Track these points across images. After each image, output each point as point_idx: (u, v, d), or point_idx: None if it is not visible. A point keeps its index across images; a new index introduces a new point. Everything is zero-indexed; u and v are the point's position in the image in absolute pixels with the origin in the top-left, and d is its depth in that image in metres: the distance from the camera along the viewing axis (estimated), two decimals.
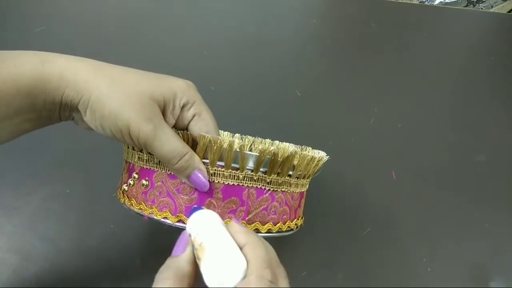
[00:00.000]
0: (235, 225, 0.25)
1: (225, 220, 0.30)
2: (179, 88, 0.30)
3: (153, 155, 0.30)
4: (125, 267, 0.42)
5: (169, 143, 0.28)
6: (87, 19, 0.67)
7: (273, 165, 0.30)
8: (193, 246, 0.24)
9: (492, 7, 1.12)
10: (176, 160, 0.28)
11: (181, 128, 0.32)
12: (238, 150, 0.29)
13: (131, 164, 0.33)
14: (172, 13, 0.70)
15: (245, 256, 0.23)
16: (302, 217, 0.37)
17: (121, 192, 0.34)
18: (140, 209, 0.31)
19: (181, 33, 0.67)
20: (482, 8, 1.12)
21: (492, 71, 0.69)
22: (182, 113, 0.31)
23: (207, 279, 0.22)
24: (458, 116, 0.61)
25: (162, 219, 0.30)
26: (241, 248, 0.23)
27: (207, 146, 0.29)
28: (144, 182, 0.31)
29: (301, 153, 0.32)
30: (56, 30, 0.64)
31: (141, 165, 0.32)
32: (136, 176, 0.32)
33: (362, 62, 0.68)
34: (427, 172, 0.54)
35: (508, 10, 1.13)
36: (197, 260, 0.23)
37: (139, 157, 0.32)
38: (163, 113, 0.30)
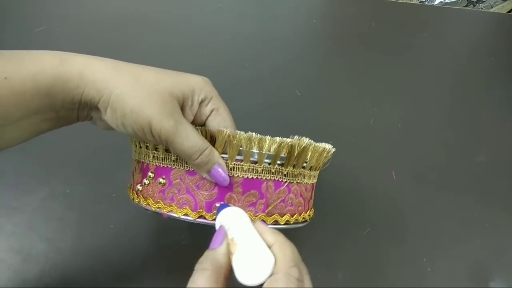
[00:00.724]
0: (262, 225, 0.27)
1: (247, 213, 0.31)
2: (197, 84, 0.31)
3: (169, 152, 0.31)
4: (125, 267, 0.42)
5: (190, 139, 0.28)
6: (87, 19, 0.67)
7: (289, 157, 0.31)
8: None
9: (492, 7, 1.12)
10: (196, 156, 0.29)
11: (198, 124, 0.32)
12: (256, 144, 0.29)
13: (145, 164, 0.33)
14: (172, 13, 0.70)
15: (274, 255, 0.24)
16: (312, 208, 0.38)
17: (134, 192, 0.34)
18: (158, 207, 0.31)
19: (181, 33, 0.67)
20: (482, 8, 1.12)
21: (492, 71, 0.69)
22: (200, 108, 0.31)
23: (238, 273, 0.24)
24: (458, 116, 0.61)
25: (183, 216, 0.30)
26: (269, 247, 0.25)
27: (226, 141, 0.29)
28: (161, 180, 0.31)
29: (315, 145, 0.32)
30: (56, 30, 0.64)
31: (157, 164, 0.32)
32: (152, 175, 0.32)
33: (362, 62, 0.68)
34: (427, 172, 0.54)
35: (508, 10, 1.13)
36: (229, 254, 0.25)
37: (154, 156, 0.32)
38: (182, 109, 0.30)
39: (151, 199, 0.32)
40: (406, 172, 0.53)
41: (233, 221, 0.27)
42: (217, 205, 0.30)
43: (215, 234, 0.26)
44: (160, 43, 0.65)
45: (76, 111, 0.29)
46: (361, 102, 0.61)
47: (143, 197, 0.33)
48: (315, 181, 0.37)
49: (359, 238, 0.47)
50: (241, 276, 0.23)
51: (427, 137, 0.58)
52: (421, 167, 0.54)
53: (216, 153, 0.30)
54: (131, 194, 0.34)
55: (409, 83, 0.65)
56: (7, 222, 0.44)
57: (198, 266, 0.24)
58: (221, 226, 0.27)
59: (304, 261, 0.25)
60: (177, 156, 0.30)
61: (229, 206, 0.29)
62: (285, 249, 0.25)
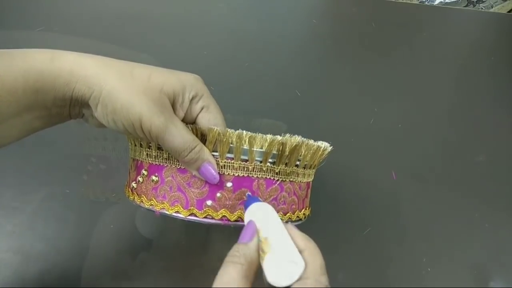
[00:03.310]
0: (294, 229, 0.26)
1: (237, 211, 0.31)
2: (188, 81, 0.31)
3: (162, 150, 0.31)
4: (125, 267, 0.42)
5: (180, 136, 0.28)
6: (87, 19, 0.67)
7: (281, 155, 0.31)
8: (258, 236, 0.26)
9: (492, 7, 1.12)
10: (186, 153, 0.29)
11: (189, 121, 0.32)
12: (247, 142, 0.29)
13: (139, 162, 0.33)
14: (171, 13, 0.70)
15: (305, 261, 0.24)
16: (309, 207, 0.38)
17: (129, 190, 0.34)
18: (151, 205, 0.31)
19: (180, 33, 0.67)
20: (482, 8, 1.12)
21: (492, 71, 0.69)
22: (191, 106, 0.31)
23: (268, 273, 0.24)
24: (458, 116, 0.61)
25: (174, 214, 0.31)
26: (300, 252, 0.25)
27: (216, 139, 0.29)
28: (154, 178, 0.32)
29: (307, 143, 0.32)
30: (56, 30, 0.64)
31: (150, 162, 0.32)
32: (145, 172, 0.32)
33: (362, 62, 0.68)
34: (427, 172, 0.54)
35: (508, 10, 1.13)
36: (260, 251, 0.25)
37: (147, 154, 0.32)
38: (173, 106, 0.30)
39: (144, 197, 0.32)
40: (406, 172, 0.53)
41: (265, 219, 0.27)
42: (249, 193, 0.30)
43: (246, 228, 0.26)
44: (160, 43, 0.65)
45: (67, 108, 0.29)
46: (361, 102, 0.61)
47: (137, 194, 0.33)
48: (310, 179, 0.37)
49: (359, 238, 0.47)
50: (271, 276, 0.24)
51: (427, 137, 0.58)
52: (421, 167, 0.54)
53: (206, 150, 0.30)
54: (127, 192, 0.35)
55: (409, 83, 0.65)
56: (7, 222, 0.44)
57: (230, 259, 0.24)
58: (251, 221, 0.27)
59: None
60: (169, 154, 0.31)
61: (259, 200, 0.29)
62: (316, 257, 0.25)
